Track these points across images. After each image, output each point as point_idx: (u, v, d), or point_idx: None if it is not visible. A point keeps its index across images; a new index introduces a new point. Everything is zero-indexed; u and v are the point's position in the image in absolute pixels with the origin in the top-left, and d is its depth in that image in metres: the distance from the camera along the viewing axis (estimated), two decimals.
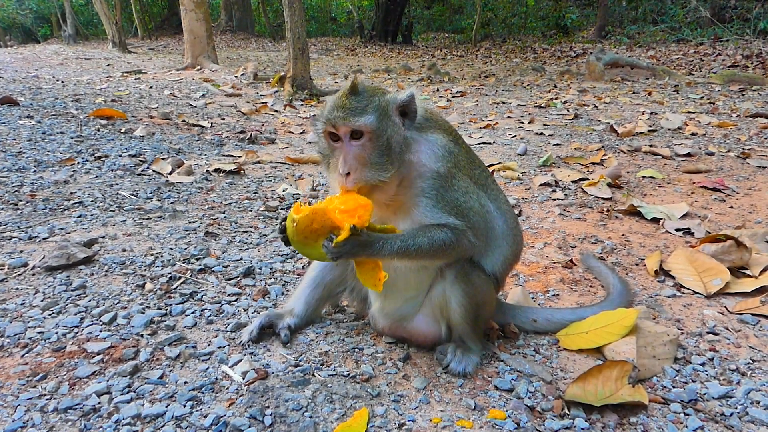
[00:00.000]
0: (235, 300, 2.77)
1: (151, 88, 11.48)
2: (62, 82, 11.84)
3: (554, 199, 4.58)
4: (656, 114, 8.84)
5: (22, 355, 2.22)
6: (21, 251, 3.21)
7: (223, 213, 4.10)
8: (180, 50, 23.86)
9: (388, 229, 1.96)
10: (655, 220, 4.03)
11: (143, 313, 2.55)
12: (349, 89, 1.99)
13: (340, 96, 2.00)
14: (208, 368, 2.18)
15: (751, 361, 2.31)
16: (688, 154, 6.01)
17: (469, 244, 2.07)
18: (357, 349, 2.35)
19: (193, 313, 2.60)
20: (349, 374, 2.17)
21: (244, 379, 2.10)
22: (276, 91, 11.89)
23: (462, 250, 2.09)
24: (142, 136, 6.53)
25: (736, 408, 2.01)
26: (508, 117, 8.99)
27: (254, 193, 4.66)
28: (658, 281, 3.11)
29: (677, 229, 3.83)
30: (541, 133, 7.49)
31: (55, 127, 6.67)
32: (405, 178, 2.05)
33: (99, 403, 1.94)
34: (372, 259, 1.95)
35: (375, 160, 1.95)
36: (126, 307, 2.62)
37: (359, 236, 1.85)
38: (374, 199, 1.97)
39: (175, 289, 2.83)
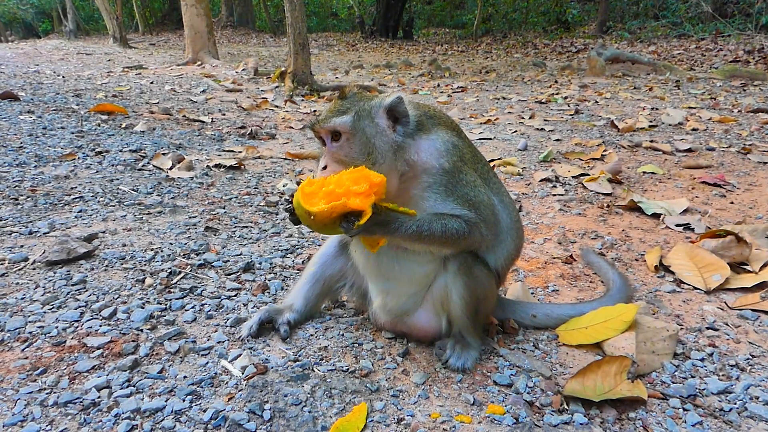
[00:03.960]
0: (235, 295, 2.77)
1: (151, 83, 11.47)
2: (63, 77, 11.82)
3: (554, 195, 4.58)
4: (657, 109, 8.82)
5: (23, 350, 2.22)
6: (21, 246, 3.21)
7: (224, 208, 4.10)
8: (181, 45, 23.84)
9: (408, 213, 1.96)
10: (656, 216, 4.03)
11: (143, 308, 2.56)
12: (338, 95, 2.09)
13: (331, 102, 2.08)
14: (207, 363, 2.18)
15: (750, 357, 2.31)
16: (689, 150, 6.00)
17: (480, 236, 2.09)
18: (356, 344, 2.36)
19: (192, 308, 2.60)
20: (348, 369, 2.17)
21: (243, 373, 2.10)
22: (276, 87, 11.87)
23: (473, 242, 2.10)
24: (143, 132, 6.53)
25: (735, 404, 2.01)
26: (509, 112, 8.98)
27: (254, 188, 4.66)
28: (658, 277, 3.11)
29: (677, 225, 3.83)
30: (542, 129, 7.48)
31: (55, 122, 6.67)
32: (407, 175, 2.06)
33: (99, 397, 1.95)
34: (386, 237, 1.97)
35: (353, 160, 1.98)
36: (126, 302, 2.62)
37: (379, 215, 1.88)
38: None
39: (174, 284, 2.84)
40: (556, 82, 13.24)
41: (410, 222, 1.95)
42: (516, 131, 7.32)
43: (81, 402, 1.92)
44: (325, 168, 2.00)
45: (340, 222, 1.84)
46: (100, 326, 2.40)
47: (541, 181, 4.96)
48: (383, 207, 1.88)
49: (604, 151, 5.98)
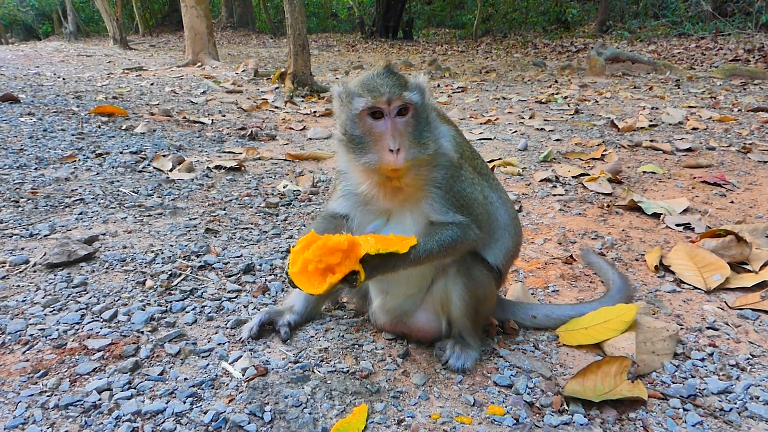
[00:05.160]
0: (235, 297, 2.77)
1: (152, 84, 11.48)
2: (63, 79, 11.84)
3: (554, 195, 4.58)
4: (657, 109, 8.81)
5: (24, 352, 2.23)
6: (22, 248, 3.22)
7: (224, 210, 4.10)
8: (181, 47, 23.85)
9: (401, 244, 1.95)
10: (656, 216, 4.03)
11: (144, 310, 2.56)
12: (384, 69, 2.01)
13: (378, 74, 1.98)
14: (208, 365, 2.18)
15: (750, 357, 2.32)
16: (689, 149, 5.99)
17: (475, 236, 2.09)
18: (356, 346, 2.36)
19: (193, 309, 2.61)
20: (348, 370, 2.17)
21: (243, 375, 2.10)
22: (276, 88, 11.88)
23: (469, 244, 2.11)
24: (143, 133, 6.53)
25: (736, 403, 2.02)
26: (509, 112, 8.97)
27: (255, 189, 4.66)
28: (658, 277, 3.11)
29: (677, 225, 3.82)
30: (542, 129, 7.47)
31: (56, 124, 6.68)
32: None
33: (99, 399, 1.95)
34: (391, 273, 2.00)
35: (418, 136, 1.95)
36: (126, 304, 2.63)
37: (373, 262, 1.89)
38: (403, 182, 1.99)
39: (175, 286, 2.84)
40: (556, 81, 13.24)
41: (406, 257, 1.95)
42: (516, 131, 7.31)
43: (82, 404, 1.92)
44: (398, 151, 1.86)
45: (342, 283, 1.88)
46: (101, 328, 2.41)
47: (541, 181, 4.96)
48: (370, 255, 1.88)
49: (604, 150, 5.97)
